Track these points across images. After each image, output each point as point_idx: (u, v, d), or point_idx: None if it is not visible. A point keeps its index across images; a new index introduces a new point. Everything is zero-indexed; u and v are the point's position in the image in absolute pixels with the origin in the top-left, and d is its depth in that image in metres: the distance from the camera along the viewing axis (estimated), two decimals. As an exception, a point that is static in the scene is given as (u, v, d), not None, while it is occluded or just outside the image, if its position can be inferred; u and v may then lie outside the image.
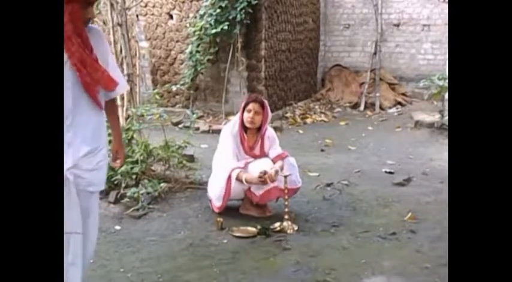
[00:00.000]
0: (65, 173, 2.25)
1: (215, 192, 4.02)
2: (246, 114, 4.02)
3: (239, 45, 7.79)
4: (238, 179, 3.90)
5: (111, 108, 2.59)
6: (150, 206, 4.21)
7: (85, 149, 2.32)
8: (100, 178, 2.47)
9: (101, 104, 2.36)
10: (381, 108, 9.53)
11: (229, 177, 3.91)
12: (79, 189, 2.33)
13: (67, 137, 2.25)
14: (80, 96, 2.29)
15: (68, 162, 2.26)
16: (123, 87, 2.58)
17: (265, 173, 3.86)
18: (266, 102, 4.15)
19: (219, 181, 3.98)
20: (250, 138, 4.10)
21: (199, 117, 7.77)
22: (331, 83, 10.58)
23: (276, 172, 3.91)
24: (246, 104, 4.05)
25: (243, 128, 4.07)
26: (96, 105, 2.33)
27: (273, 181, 3.89)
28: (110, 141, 2.73)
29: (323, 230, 3.81)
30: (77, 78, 2.23)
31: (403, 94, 10.12)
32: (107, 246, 3.48)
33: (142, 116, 4.79)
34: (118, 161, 2.73)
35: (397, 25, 10.41)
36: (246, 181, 3.89)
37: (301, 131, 7.83)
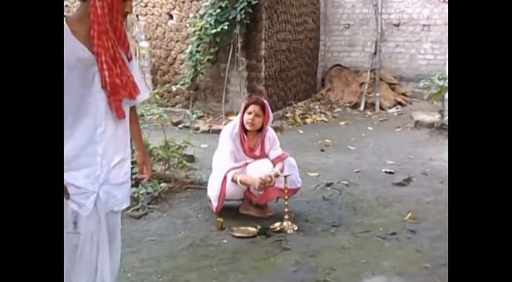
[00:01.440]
0: (98, 192, 2.09)
1: (212, 192, 4.02)
2: (246, 116, 3.99)
3: (239, 45, 7.79)
4: (234, 180, 3.89)
5: (132, 116, 2.35)
6: (150, 206, 4.21)
7: (116, 159, 2.15)
8: (126, 193, 2.27)
9: (124, 111, 2.15)
10: (381, 108, 9.53)
11: (225, 178, 3.91)
12: (106, 211, 2.16)
13: (99, 146, 2.08)
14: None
15: (100, 176, 2.10)
16: (144, 95, 2.36)
17: (264, 183, 3.84)
18: (267, 104, 4.11)
19: (215, 182, 3.98)
20: (251, 139, 4.09)
21: (199, 117, 7.77)
22: (331, 83, 10.58)
23: (277, 175, 3.90)
24: (247, 106, 4.02)
25: (243, 129, 4.05)
26: (119, 112, 2.11)
27: (271, 186, 3.89)
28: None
29: (323, 230, 3.81)
30: (105, 78, 2.03)
31: (403, 94, 10.12)
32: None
33: (143, 116, 4.79)
34: (145, 174, 2.52)
35: (397, 25, 10.42)
36: (241, 182, 3.89)
37: (301, 131, 7.83)
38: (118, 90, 2.06)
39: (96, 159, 2.07)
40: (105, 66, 2.00)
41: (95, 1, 1.97)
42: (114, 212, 2.21)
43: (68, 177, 1.97)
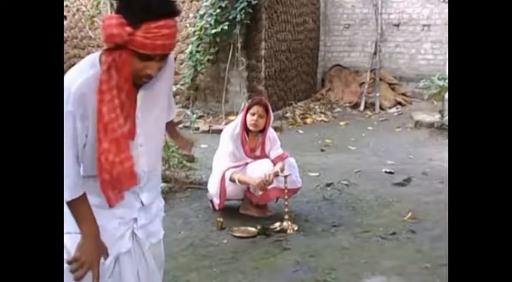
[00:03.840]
0: (134, 230, 1.87)
1: (212, 191, 4.03)
2: (249, 117, 3.98)
3: (239, 45, 7.79)
4: (232, 180, 3.90)
5: (172, 127, 2.30)
6: (150, 206, 4.21)
7: (156, 206, 1.98)
8: (160, 220, 2.10)
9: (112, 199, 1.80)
10: (381, 108, 9.53)
11: (223, 177, 3.91)
12: (147, 245, 1.95)
13: (138, 200, 1.87)
14: (149, 116, 1.83)
15: (139, 216, 1.88)
16: (172, 115, 2.19)
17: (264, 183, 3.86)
18: (269, 105, 4.12)
19: (214, 181, 3.99)
20: (252, 140, 4.08)
21: (199, 117, 7.78)
22: (331, 83, 10.58)
23: (276, 174, 3.90)
24: (250, 107, 4.01)
25: (245, 129, 4.04)
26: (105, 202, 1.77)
27: (269, 184, 3.89)
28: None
29: (323, 230, 3.81)
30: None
31: (403, 94, 10.12)
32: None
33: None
34: (187, 148, 2.44)
35: (397, 25, 10.41)
36: (239, 181, 3.89)
37: (301, 131, 7.83)
38: (105, 183, 1.74)
39: (136, 202, 1.87)
40: (95, 138, 1.70)
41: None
42: (156, 243, 2.05)
43: (101, 218, 1.76)
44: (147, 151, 1.83)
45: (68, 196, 1.69)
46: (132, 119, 1.74)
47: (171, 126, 2.27)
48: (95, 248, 1.72)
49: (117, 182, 1.73)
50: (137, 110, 1.77)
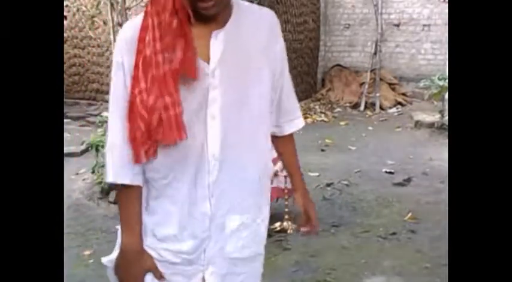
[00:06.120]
0: (205, 270, 1.42)
1: None
2: None
3: (239, 45, 7.78)
4: None
5: (286, 144, 1.72)
6: (150, 206, 4.21)
7: (235, 221, 1.44)
8: (257, 270, 1.67)
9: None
10: (381, 108, 9.53)
11: None
12: None
13: (208, 204, 1.37)
14: (235, 125, 1.36)
15: (209, 247, 1.41)
16: (298, 123, 1.71)
17: None
18: None
19: None
20: (252, 139, 4.08)
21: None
22: (331, 83, 10.58)
23: (276, 174, 3.90)
24: None
25: None
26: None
27: None
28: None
29: (323, 230, 3.81)
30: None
31: (403, 94, 10.13)
32: (107, 246, 3.48)
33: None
34: (309, 226, 1.79)
35: (397, 25, 10.41)
36: None
37: (301, 131, 7.81)
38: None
39: (203, 223, 1.38)
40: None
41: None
42: None
43: (162, 249, 1.40)
44: (223, 127, 1.32)
45: (111, 177, 1.33)
46: (191, 51, 1.24)
47: (285, 147, 1.68)
48: (136, 264, 1.41)
49: (155, 133, 1.24)
50: (211, 62, 1.30)
